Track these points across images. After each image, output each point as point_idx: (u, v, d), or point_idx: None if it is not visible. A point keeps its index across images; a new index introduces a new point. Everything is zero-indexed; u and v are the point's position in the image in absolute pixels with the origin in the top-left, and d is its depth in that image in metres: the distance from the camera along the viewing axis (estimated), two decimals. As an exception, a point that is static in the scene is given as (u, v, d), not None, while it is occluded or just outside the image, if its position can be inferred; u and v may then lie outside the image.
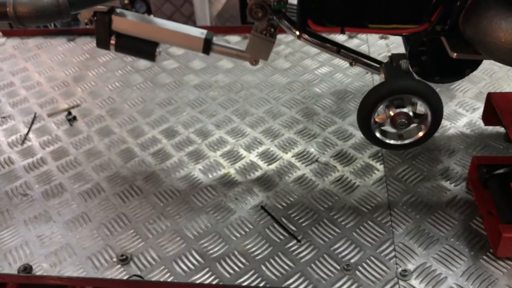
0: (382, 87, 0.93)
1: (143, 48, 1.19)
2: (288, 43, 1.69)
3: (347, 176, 1.16)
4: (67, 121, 1.40)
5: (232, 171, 1.20)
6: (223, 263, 0.98)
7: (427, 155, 1.20)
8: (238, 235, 1.04)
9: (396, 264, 0.96)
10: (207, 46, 1.16)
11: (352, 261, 0.97)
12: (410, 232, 1.01)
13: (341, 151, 1.23)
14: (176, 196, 1.14)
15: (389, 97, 0.92)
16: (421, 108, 0.97)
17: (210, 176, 1.19)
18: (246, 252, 1.00)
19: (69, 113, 1.42)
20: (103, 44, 1.17)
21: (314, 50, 1.62)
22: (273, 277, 0.95)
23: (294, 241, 1.01)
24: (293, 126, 1.32)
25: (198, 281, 0.96)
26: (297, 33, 1.06)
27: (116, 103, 1.46)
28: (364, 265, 0.96)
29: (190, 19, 2.46)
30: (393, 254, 0.97)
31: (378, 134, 0.98)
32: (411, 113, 0.93)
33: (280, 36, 1.73)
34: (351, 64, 1.05)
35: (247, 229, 1.05)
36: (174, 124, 1.36)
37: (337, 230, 1.03)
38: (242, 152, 1.25)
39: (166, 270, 0.98)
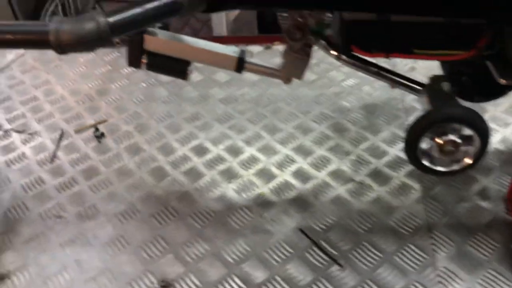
0: (431, 116, 0.92)
1: (175, 67, 1.18)
2: (311, 53, 1.67)
3: (383, 196, 1.15)
4: (95, 138, 1.39)
5: (266, 190, 1.19)
6: (266, 289, 0.98)
7: (462, 174, 1.19)
8: (278, 259, 1.03)
9: (441, 289, 0.95)
10: (240, 65, 1.16)
11: (396, 287, 0.96)
12: (452, 256, 1.01)
13: (376, 170, 1.22)
14: (212, 218, 1.14)
15: (437, 125, 0.91)
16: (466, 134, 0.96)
17: (244, 196, 1.18)
18: (288, 278, 0.99)
19: (97, 129, 1.41)
20: (134, 63, 1.16)
21: (339, 61, 1.61)
22: (317, 303, 0.95)
23: (336, 266, 1.01)
24: (324, 143, 1.31)
25: (242, 308, 0.95)
26: (336, 53, 1.05)
27: (143, 118, 1.45)
28: (409, 290, 0.96)
29: (206, 24, 2.44)
30: (437, 279, 0.97)
31: (426, 162, 0.97)
32: (458, 141, 0.92)
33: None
34: (391, 86, 1.04)
35: (286, 253, 1.04)
36: (204, 141, 1.35)
37: (379, 254, 1.03)
38: (275, 170, 1.24)
39: (209, 296, 0.98)
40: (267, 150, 1.30)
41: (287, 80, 1.16)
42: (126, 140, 1.38)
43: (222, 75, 1.61)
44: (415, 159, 0.96)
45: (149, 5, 0.92)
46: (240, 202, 1.17)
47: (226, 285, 0.99)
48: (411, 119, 1.33)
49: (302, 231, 1.09)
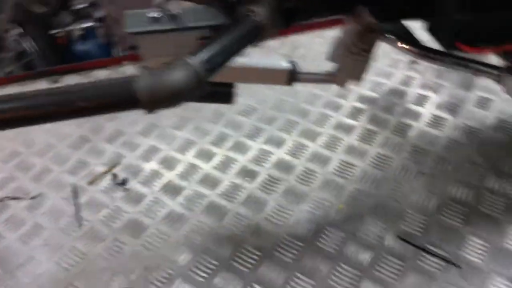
0: None
1: (218, 92, 1.04)
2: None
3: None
4: (118, 186, 1.19)
5: (341, 203, 1.11)
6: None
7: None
8: (394, 276, 0.97)
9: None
10: (292, 78, 1.05)
11: (520, 273, 0.95)
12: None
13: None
14: (301, 247, 1.03)
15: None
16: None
17: (319, 214, 1.09)
18: (417, 294, 0.94)
19: (114, 176, 1.21)
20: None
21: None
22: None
23: (455, 268, 0.97)
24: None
25: None
26: (405, 46, 1.00)
27: (162, 151, 1.27)
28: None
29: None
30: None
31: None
32: None
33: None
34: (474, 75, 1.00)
35: (398, 267, 0.98)
36: (245, 162, 1.22)
37: (486, 244, 1.00)
38: (338, 180, 1.17)
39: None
40: (320, 160, 1.22)
41: (343, 84, 1.08)
42: (156, 180, 1.20)
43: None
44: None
45: (232, 36, 0.78)
46: (321, 223, 1.08)
47: (359, 319, 0.92)
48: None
49: (404, 239, 1.03)
